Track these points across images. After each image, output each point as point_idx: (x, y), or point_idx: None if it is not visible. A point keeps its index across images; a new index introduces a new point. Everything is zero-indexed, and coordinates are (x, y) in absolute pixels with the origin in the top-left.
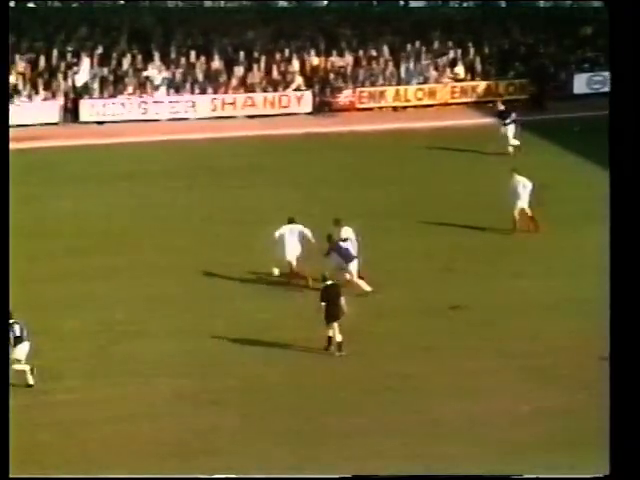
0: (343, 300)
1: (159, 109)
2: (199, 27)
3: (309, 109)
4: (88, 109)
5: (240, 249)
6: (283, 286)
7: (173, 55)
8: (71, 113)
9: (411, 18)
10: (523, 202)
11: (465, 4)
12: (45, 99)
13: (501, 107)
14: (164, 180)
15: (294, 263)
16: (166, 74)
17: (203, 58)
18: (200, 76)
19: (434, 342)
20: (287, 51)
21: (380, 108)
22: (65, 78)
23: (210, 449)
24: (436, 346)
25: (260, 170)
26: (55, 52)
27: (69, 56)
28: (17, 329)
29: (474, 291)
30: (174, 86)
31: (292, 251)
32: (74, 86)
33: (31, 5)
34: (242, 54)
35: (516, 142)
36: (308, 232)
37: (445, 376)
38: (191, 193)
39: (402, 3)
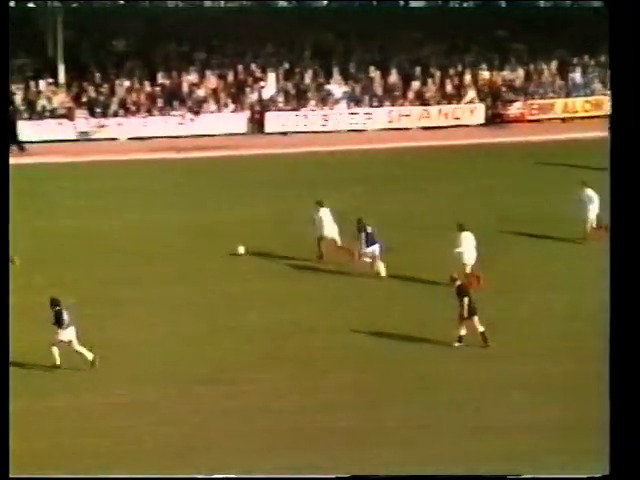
0: None
1: (339, 121)
2: (378, 44)
3: (481, 121)
4: (273, 121)
5: (410, 252)
6: (443, 286)
7: (353, 70)
8: (257, 124)
9: (580, 32)
10: (592, 214)
11: (465, 4)
12: (234, 111)
13: None
14: (343, 186)
15: (338, 240)
16: (346, 88)
17: (380, 73)
18: (378, 90)
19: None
20: (460, 65)
21: (549, 119)
22: (252, 92)
23: (379, 442)
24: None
25: (431, 178)
26: (242, 68)
27: (256, 71)
28: (65, 315)
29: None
30: (353, 99)
31: (332, 230)
32: (260, 99)
33: (31, 5)
34: (418, 69)
35: None
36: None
37: (586, 377)
38: (365, 198)
39: (402, 3)
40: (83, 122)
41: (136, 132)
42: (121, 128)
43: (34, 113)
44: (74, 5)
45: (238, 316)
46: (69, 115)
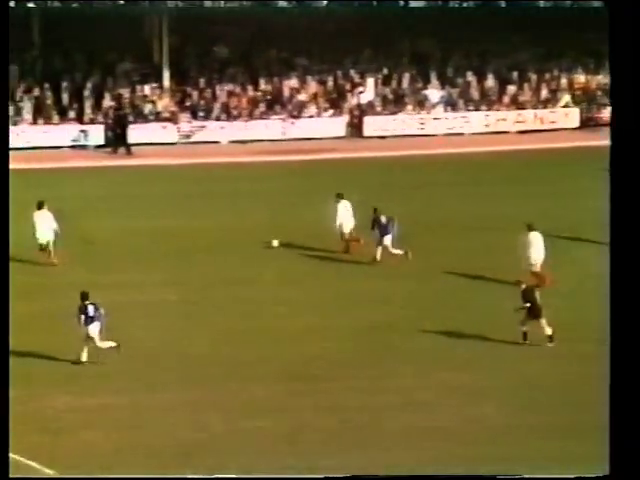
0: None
1: (436, 125)
2: (475, 49)
3: (576, 124)
4: (371, 125)
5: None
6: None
7: (450, 75)
8: (356, 128)
9: None
10: None
11: (465, 4)
12: (333, 115)
13: None
14: (437, 188)
15: (347, 232)
16: (443, 93)
17: (476, 77)
18: (475, 94)
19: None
20: (557, 70)
21: None
22: (351, 97)
23: (474, 439)
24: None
25: (521, 181)
26: (341, 73)
27: (355, 77)
28: (91, 310)
29: None
30: (450, 104)
31: (347, 222)
32: (359, 104)
33: (31, 5)
34: (515, 73)
35: None
36: (350, 207)
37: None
38: (455, 200)
39: (402, 3)
40: (186, 126)
41: (238, 135)
42: (223, 131)
43: (139, 116)
44: (181, 7)
45: (333, 317)
46: (173, 119)
